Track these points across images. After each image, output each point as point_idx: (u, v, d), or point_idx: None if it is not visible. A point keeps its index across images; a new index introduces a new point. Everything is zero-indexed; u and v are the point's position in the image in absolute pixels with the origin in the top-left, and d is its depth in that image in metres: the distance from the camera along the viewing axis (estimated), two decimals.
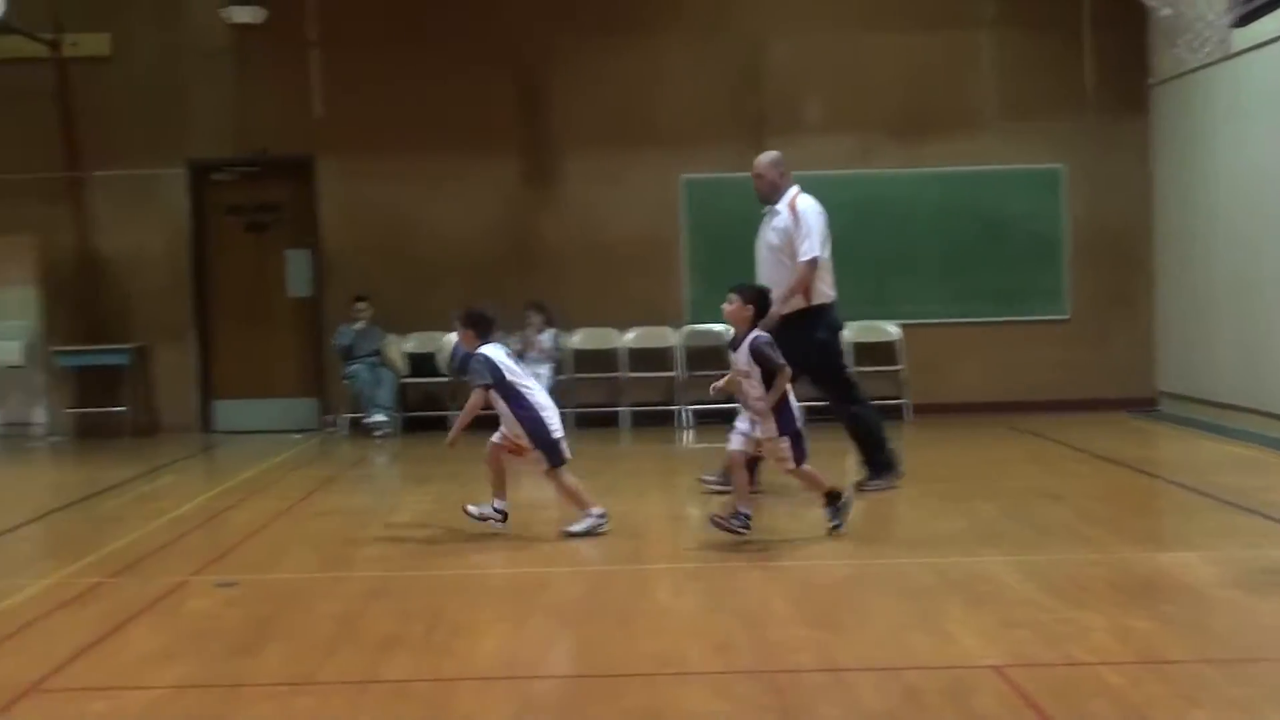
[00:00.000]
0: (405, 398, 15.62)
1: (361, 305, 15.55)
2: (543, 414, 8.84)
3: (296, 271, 16.27)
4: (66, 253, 16.13)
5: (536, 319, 15.25)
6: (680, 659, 6.03)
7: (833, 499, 8.55)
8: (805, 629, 6.48)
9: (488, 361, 8.84)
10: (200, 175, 16.22)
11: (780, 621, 6.66)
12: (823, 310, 10.08)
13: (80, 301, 16.11)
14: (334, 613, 7.01)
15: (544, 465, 8.90)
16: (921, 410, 15.57)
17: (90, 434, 15.79)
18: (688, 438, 15.08)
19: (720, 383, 8.63)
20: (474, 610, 7.05)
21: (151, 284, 15.97)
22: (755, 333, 8.45)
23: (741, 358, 8.39)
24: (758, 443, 8.47)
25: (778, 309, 9.51)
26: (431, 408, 15.54)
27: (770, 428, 8.35)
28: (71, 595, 7.53)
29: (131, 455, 14.15)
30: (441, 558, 8.55)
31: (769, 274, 9.97)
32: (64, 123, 16.06)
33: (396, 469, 13.76)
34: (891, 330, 15.76)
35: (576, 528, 8.84)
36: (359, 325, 15.58)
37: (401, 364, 15.54)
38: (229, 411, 16.13)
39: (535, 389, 8.98)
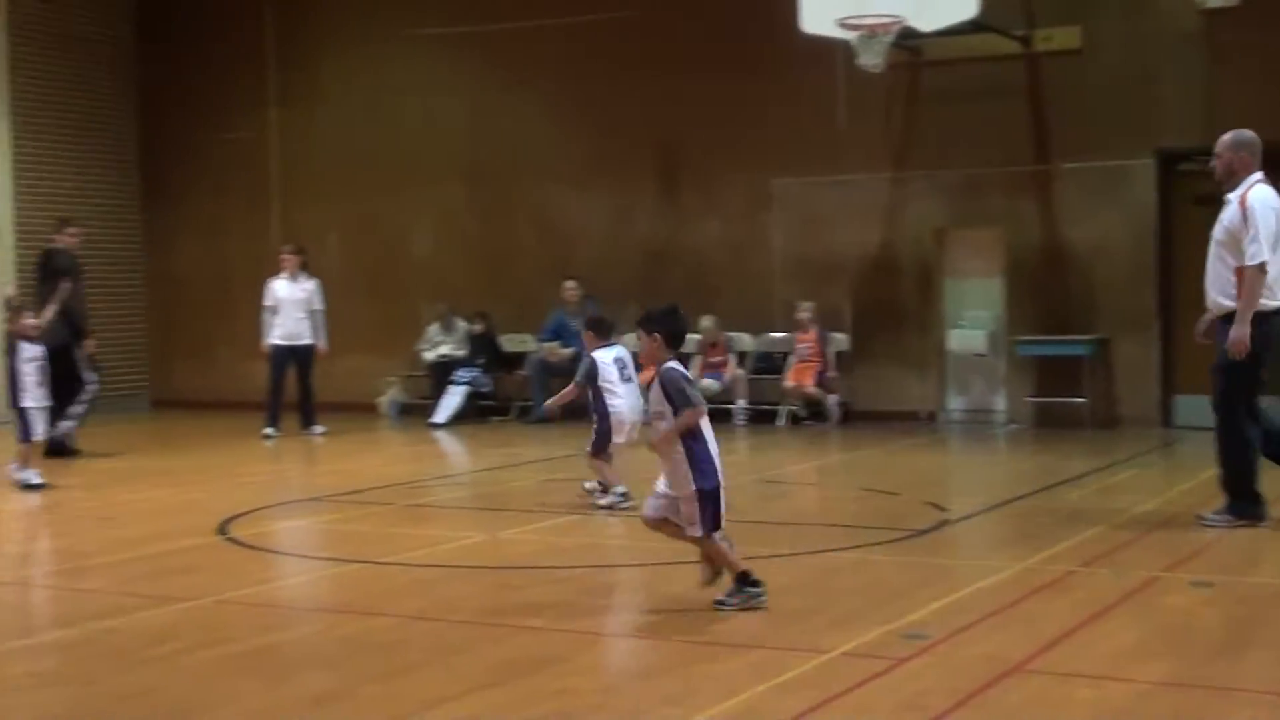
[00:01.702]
0: None
1: None
2: (612, 417, 10.16)
3: None
4: (1031, 244, 16.42)
5: None
6: None
7: (743, 581, 6.90)
8: None
9: (592, 363, 10.29)
10: (1167, 165, 15.94)
11: None
12: (1256, 319, 8.79)
13: (1042, 292, 16.35)
14: None
15: (589, 448, 10.29)
16: None
17: (1048, 423, 15.99)
18: None
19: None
20: None
21: (1115, 275, 15.93)
22: (667, 364, 6.98)
23: (654, 395, 6.95)
24: (677, 504, 6.95)
25: (1240, 327, 8.75)
26: None
27: (684, 482, 6.85)
28: (1045, 581, 7.60)
29: (1090, 447, 14.14)
30: None
31: (1211, 270, 9.05)
32: (1034, 117, 16.35)
33: None
34: None
35: (604, 500, 10.17)
36: None
37: None
38: (1190, 407, 15.72)
39: (621, 398, 10.22)
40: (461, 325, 18.57)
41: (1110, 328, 15.99)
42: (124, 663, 6.29)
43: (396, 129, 19.32)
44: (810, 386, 16.58)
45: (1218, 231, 9.06)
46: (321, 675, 6.01)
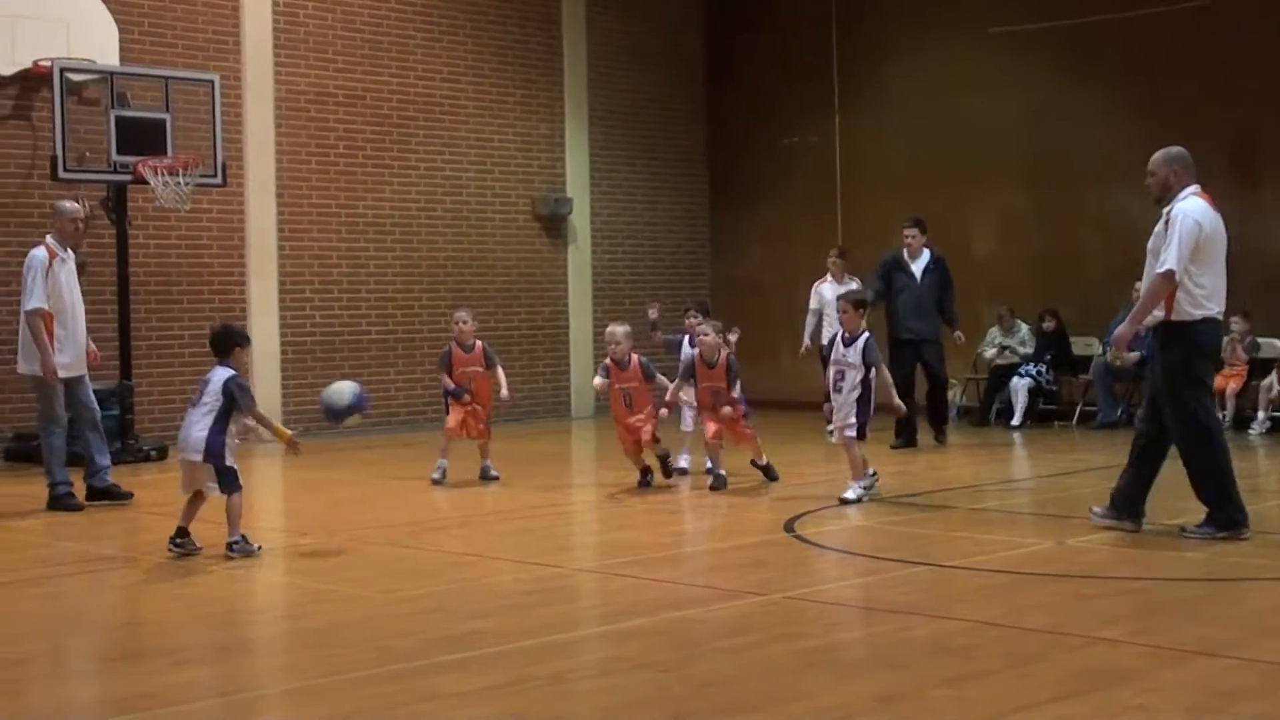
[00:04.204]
0: None
1: None
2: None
3: None
4: None
5: None
6: None
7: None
8: None
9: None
10: None
11: None
12: (1181, 329, 8.95)
13: None
14: None
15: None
16: None
17: None
18: None
19: None
20: None
21: None
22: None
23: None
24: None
25: (1127, 326, 9.15)
26: None
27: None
28: None
29: None
30: None
31: (1145, 284, 9.19)
32: None
33: None
34: None
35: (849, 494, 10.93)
36: None
37: None
38: None
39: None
40: (1023, 327, 18.28)
41: None
42: (701, 652, 6.53)
43: (958, 130, 19.22)
44: None
45: (1151, 241, 9.16)
46: (891, 675, 6.03)
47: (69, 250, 11.73)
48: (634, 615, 7.30)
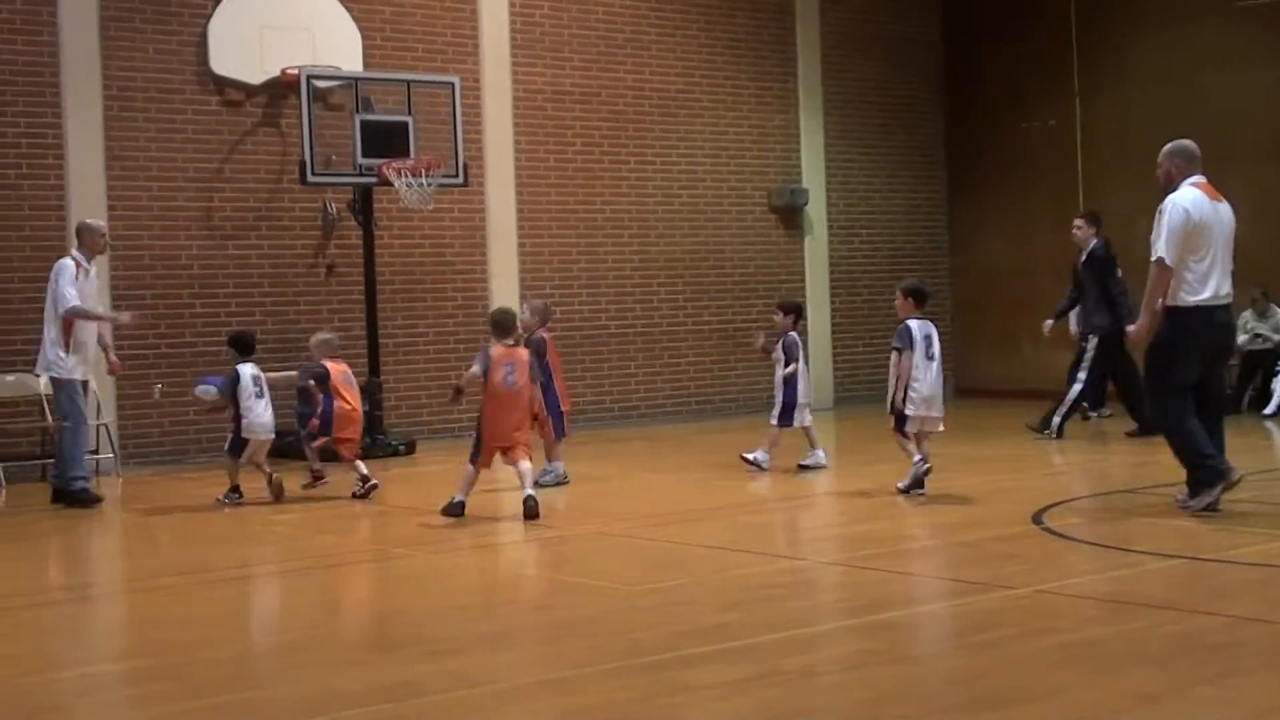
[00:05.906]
0: None
1: None
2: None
3: None
4: None
5: None
6: None
7: None
8: None
9: (908, 330, 10.75)
10: None
11: None
12: (1171, 313, 9.41)
13: None
14: None
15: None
16: None
17: None
18: None
19: None
20: None
21: None
22: None
23: None
24: None
25: (1141, 317, 9.55)
26: None
27: None
28: None
29: None
30: None
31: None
32: None
33: None
34: None
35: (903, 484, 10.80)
36: None
37: None
38: None
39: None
40: (1278, 311, 17.63)
41: None
42: (951, 646, 6.46)
43: (1204, 108, 18.58)
44: None
45: (1153, 235, 9.45)
46: (1150, 672, 5.88)
47: (92, 264, 12.41)
48: (882, 609, 7.26)
